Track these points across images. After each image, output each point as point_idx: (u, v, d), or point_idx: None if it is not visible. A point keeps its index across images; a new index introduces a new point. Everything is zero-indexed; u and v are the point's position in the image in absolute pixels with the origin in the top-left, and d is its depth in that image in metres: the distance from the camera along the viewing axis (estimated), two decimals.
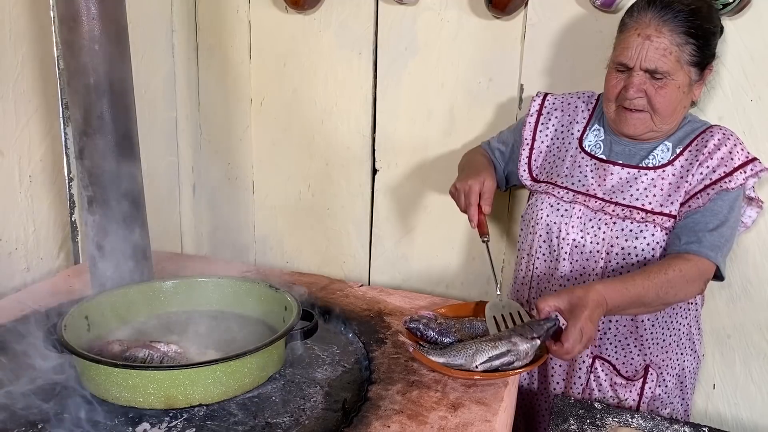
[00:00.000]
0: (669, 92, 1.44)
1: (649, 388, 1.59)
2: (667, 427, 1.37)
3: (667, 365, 1.60)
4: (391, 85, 2.02)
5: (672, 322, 1.58)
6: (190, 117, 2.25)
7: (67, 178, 1.80)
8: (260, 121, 2.20)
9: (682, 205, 1.48)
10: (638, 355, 1.59)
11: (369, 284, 2.11)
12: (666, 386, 1.61)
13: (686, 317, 1.60)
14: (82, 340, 1.26)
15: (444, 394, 1.28)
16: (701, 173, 1.47)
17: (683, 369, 1.63)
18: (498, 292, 1.52)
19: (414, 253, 2.12)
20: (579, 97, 1.67)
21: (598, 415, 1.40)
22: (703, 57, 1.44)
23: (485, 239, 1.53)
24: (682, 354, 1.62)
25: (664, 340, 1.58)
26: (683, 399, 1.65)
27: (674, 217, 1.48)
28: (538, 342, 1.32)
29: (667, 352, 1.60)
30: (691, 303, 1.60)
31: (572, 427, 1.36)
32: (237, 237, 2.32)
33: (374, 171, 2.10)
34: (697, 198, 1.46)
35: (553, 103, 1.68)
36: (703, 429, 1.35)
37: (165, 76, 2.15)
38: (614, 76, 1.49)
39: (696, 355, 1.66)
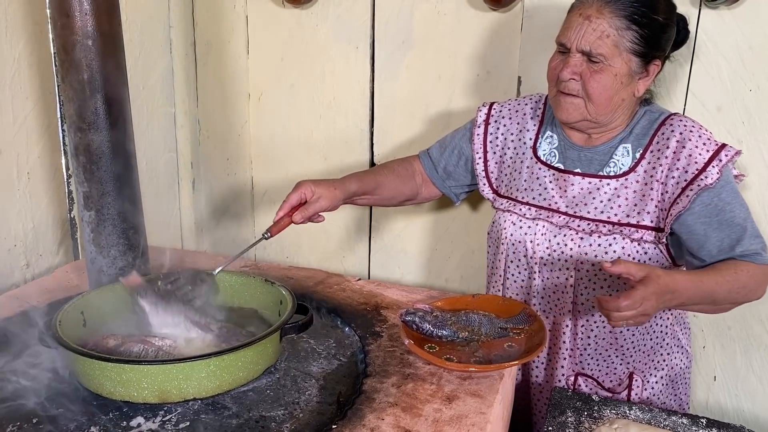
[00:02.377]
0: (604, 78, 1.37)
1: (635, 393, 1.56)
2: (665, 418, 1.36)
3: (651, 368, 1.58)
4: (388, 78, 2.01)
5: (652, 326, 1.55)
6: (189, 113, 2.25)
7: (65, 174, 1.81)
8: (259, 116, 2.20)
9: (667, 216, 1.41)
10: (620, 364, 1.56)
11: (369, 278, 2.11)
12: (652, 388, 1.58)
13: (666, 318, 1.56)
14: (77, 335, 1.26)
15: (439, 386, 1.27)
16: (674, 177, 1.40)
17: (672, 368, 1.60)
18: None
19: (413, 247, 2.12)
20: (527, 103, 1.62)
21: (595, 407, 1.39)
22: (648, 48, 1.37)
23: (266, 235, 1.44)
24: (668, 354, 1.59)
25: (645, 345, 1.55)
26: (677, 396, 1.63)
27: (645, 228, 1.43)
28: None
29: (649, 355, 1.57)
30: None
31: (569, 419, 1.35)
32: (237, 232, 2.32)
33: (372, 165, 2.10)
34: (678, 203, 1.39)
35: (500, 111, 1.63)
36: (701, 420, 1.34)
37: (163, 72, 2.15)
38: (555, 57, 1.45)
39: (685, 352, 1.62)
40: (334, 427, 1.13)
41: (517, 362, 1.33)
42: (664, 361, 1.59)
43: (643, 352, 1.56)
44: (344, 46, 2.03)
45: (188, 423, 1.13)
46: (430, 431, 1.14)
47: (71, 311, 1.29)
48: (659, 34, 1.38)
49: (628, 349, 1.54)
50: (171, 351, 1.24)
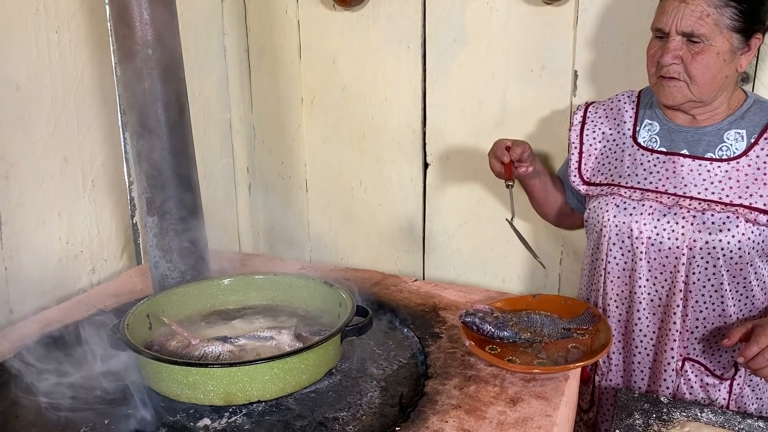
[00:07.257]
0: (706, 58, 1.37)
1: (738, 384, 1.51)
2: (739, 421, 1.31)
3: None
4: (440, 77, 2.00)
5: (759, 314, 1.49)
6: (244, 118, 2.28)
7: (127, 181, 1.86)
8: (311, 119, 2.21)
9: None
10: (726, 351, 1.51)
11: (423, 279, 2.10)
12: (752, 380, 1.53)
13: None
14: (144, 338, 1.30)
15: (502, 388, 1.25)
16: None
17: None
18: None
19: (468, 247, 2.10)
20: (620, 99, 1.63)
21: (664, 410, 1.35)
22: (747, 23, 1.36)
23: (509, 184, 1.54)
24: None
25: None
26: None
27: (759, 210, 1.40)
28: (298, 344, 1.27)
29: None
30: None
31: (637, 421, 1.31)
32: (292, 235, 2.34)
33: (425, 165, 2.08)
34: None
35: (596, 111, 1.65)
36: None
37: (218, 79, 2.19)
38: (653, 44, 1.44)
39: None
40: (397, 429, 1.13)
41: (582, 363, 1.30)
42: None
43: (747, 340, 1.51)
44: (395, 47, 2.02)
45: (253, 424, 1.14)
46: None
47: (138, 315, 1.32)
48: (758, 7, 1.37)
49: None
50: (233, 354, 1.25)
